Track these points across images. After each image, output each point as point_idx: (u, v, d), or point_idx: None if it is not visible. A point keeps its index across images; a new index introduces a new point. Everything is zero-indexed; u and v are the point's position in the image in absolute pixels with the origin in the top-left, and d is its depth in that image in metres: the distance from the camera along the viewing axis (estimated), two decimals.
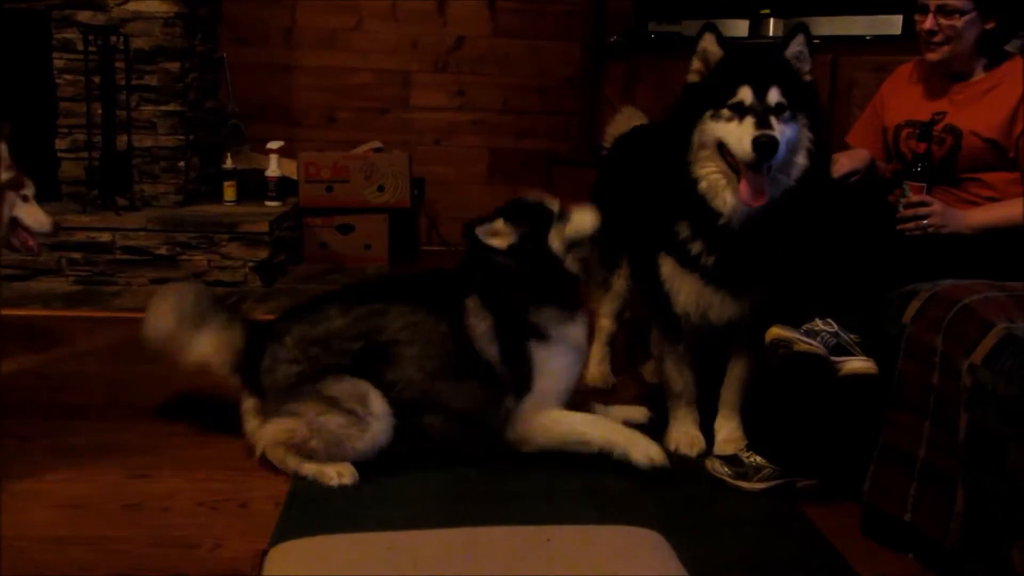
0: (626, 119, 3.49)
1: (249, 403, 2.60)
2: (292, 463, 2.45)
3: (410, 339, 2.51)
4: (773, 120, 2.30)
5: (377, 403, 2.44)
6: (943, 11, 2.57)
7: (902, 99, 2.79)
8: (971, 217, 2.54)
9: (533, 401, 2.57)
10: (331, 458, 2.43)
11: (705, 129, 2.41)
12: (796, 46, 2.42)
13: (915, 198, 2.54)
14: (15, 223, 3.08)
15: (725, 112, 2.37)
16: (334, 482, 2.40)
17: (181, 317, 2.63)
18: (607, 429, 2.57)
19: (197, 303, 2.68)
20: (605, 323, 3.30)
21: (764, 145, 2.26)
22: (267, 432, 2.49)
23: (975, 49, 2.60)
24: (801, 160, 2.40)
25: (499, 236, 2.61)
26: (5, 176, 3.05)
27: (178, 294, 2.71)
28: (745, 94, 2.34)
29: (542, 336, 2.58)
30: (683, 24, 4.71)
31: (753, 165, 2.30)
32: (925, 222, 2.50)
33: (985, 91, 2.61)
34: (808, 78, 2.44)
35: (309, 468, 2.44)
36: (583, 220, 2.68)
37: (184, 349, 2.62)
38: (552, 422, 2.57)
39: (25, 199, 3.11)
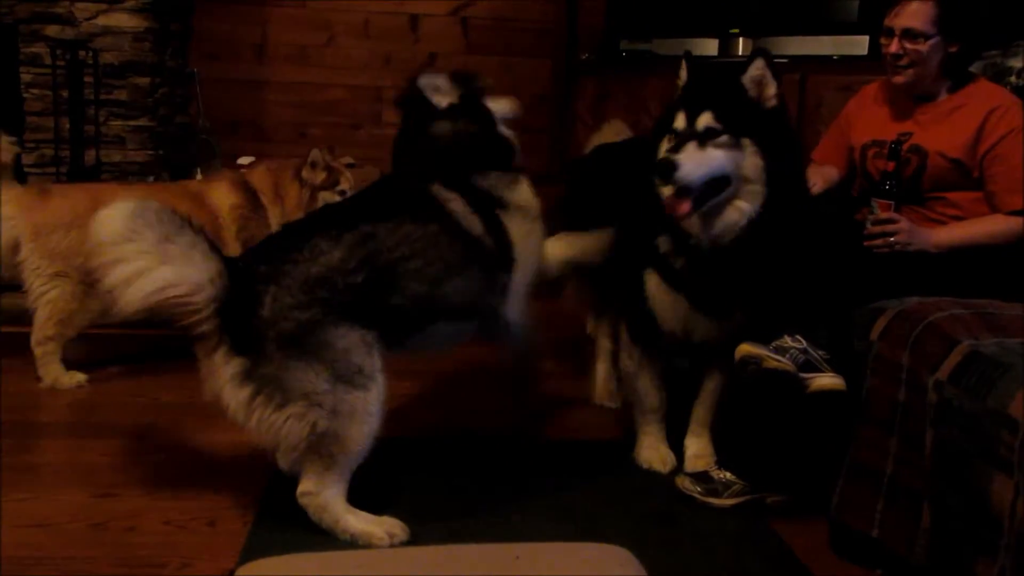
0: (611, 134, 3.49)
1: (232, 366, 2.18)
2: (328, 518, 2.25)
3: (409, 253, 2.33)
4: (691, 145, 2.31)
5: (379, 359, 2.26)
6: (908, 35, 2.61)
7: (868, 119, 2.82)
8: (937, 235, 2.58)
9: (520, 273, 2.55)
10: (346, 444, 2.22)
11: (661, 151, 2.42)
12: (755, 70, 2.37)
13: (883, 215, 2.57)
14: None
15: (671, 136, 2.39)
16: (385, 543, 2.24)
17: (145, 224, 2.11)
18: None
19: (161, 217, 2.14)
20: (605, 343, 3.28)
21: (663, 168, 2.29)
22: (287, 431, 2.18)
23: (940, 71, 2.64)
24: (756, 187, 2.35)
25: (442, 93, 2.58)
26: (319, 178, 3.44)
27: (137, 203, 2.15)
28: (680, 120, 2.37)
29: (501, 203, 2.53)
30: (654, 42, 4.75)
31: (676, 189, 2.32)
32: (892, 239, 2.53)
33: (950, 112, 2.65)
34: (772, 103, 2.39)
35: (353, 526, 2.25)
36: (505, 104, 2.70)
37: (151, 270, 2.09)
38: (526, 319, 2.65)
39: (343, 194, 3.47)
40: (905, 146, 2.65)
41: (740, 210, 2.36)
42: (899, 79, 2.67)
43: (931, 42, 2.59)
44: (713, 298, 2.50)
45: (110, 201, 2.95)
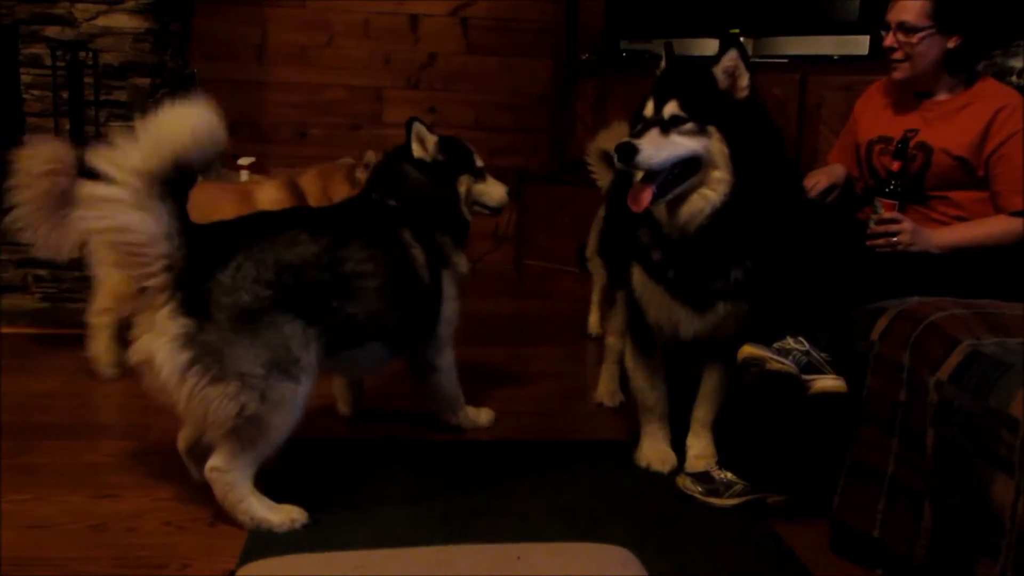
0: (623, 134, 3.48)
1: (177, 326, 2.18)
2: (232, 498, 2.27)
3: (373, 271, 2.49)
4: (653, 131, 2.35)
5: (314, 356, 2.34)
6: (902, 29, 2.62)
7: (874, 115, 2.82)
8: (939, 236, 2.58)
9: (443, 326, 2.82)
10: (267, 431, 2.26)
11: None
12: (727, 61, 2.39)
13: (887, 215, 2.57)
14: None
15: (640, 125, 2.42)
16: (285, 528, 2.28)
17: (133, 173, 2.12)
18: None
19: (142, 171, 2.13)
20: (612, 341, 3.26)
21: (622, 152, 2.32)
22: (218, 408, 2.19)
23: (940, 67, 2.64)
24: (722, 175, 2.36)
25: (423, 145, 2.81)
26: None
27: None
28: (648, 107, 2.41)
29: (446, 262, 2.79)
30: (654, 42, 4.75)
31: (630, 171, 2.37)
32: (895, 239, 2.53)
33: (957, 110, 2.64)
34: (744, 93, 2.40)
35: (256, 510, 2.28)
36: (493, 192, 2.97)
37: (118, 213, 2.10)
38: (451, 368, 2.90)
39: None
40: (911, 143, 2.64)
41: (705, 198, 2.38)
42: (896, 74, 2.68)
43: (923, 34, 2.59)
44: (688, 288, 2.51)
45: None
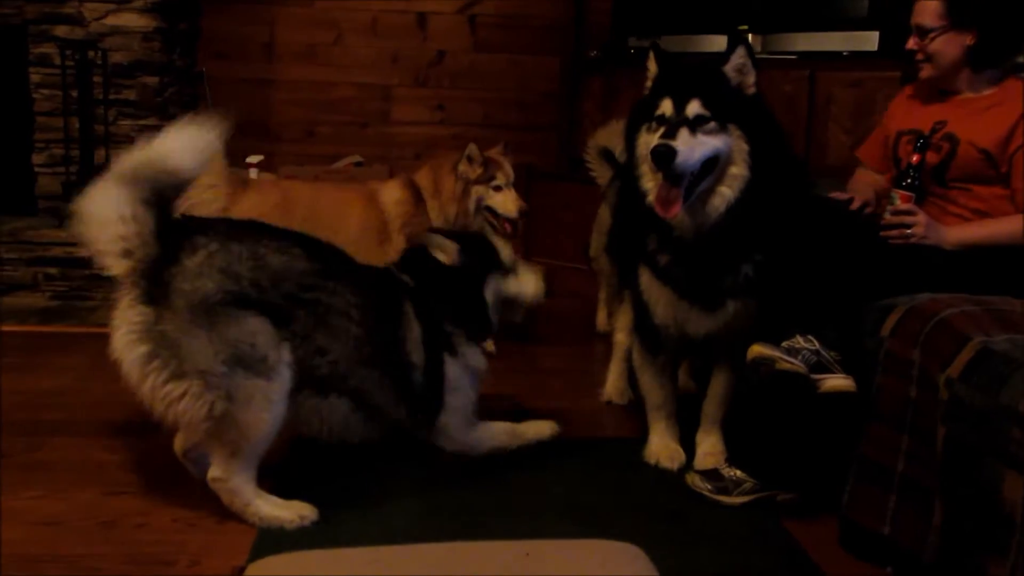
0: (616, 132, 3.48)
1: (135, 314, 2.14)
2: (238, 503, 2.27)
3: (358, 319, 2.35)
4: (684, 131, 2.33)
5: (286, 353, 2.23)
6: (920, 31, 2.66)
7: (906, 109, 2.84)
8: (953, 233, 2.57)
9: (449, 415, 2.56)
10: (245, 432, 2.20)
11: (641, 142, 2.46)
12: (737, 59, 2.41)
13: (902, 207, 2.57)
14: (489, 211, 3.57)
15: (653, 125, 2.40)
16: (295, 525, 2.27)
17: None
18: (518, 434, 2.72)
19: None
20: (621, 338, 3.26)
21: (661, 155, 2.29)
22: (185, 408, 2.15)
23: (962, 65, 2.65)
24: (739, 171, 2.38)
25: (445, 253, 2.61)
26: (475, 173, 3.54)
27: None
28: (666, 107, 2.39)
29: (453, 351, 2.56)
30: (662, 40, 4.74)
31: (665, 175, 2.34)
32: (908, 231, 2.53)
33: (987, 107, 2.65)
34: (751, 91, 2.42)
35: (264, 510, 2.27)
36: (527, 284, 2.74)
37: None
38: (487, 436, 2.66)
39: (497, 189, 3.56)
40: (938, 135, 2.65)
41: (722, 196, 2.39)
42: (923, 74, 2.72)
43: (937, 34, 2.61)
44: (698, 287, 2.52)
45: (297, 198, 3.51)
